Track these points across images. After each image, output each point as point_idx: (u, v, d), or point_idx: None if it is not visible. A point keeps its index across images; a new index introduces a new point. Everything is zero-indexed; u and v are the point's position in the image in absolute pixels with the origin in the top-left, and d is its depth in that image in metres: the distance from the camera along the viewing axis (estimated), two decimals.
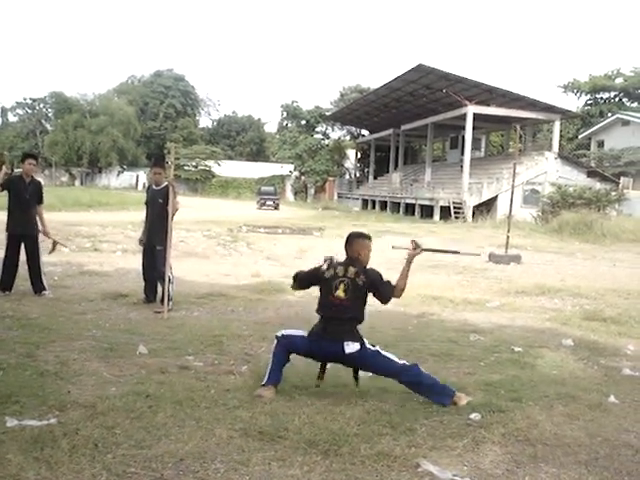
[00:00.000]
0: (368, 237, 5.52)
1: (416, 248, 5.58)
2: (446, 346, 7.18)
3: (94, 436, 4.03)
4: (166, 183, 8.88)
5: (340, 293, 5.15)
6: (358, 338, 5.12)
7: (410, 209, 41.62)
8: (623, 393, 5.62)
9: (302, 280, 5.52)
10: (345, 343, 5.05)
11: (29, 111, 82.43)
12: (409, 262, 5.42)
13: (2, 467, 3.51)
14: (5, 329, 6.94)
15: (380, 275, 5.30)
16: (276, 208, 45.97)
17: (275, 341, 5.27)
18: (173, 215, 8.63)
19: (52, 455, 3.70)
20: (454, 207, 36.14)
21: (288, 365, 5.27)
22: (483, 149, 51.15)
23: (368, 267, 5.35)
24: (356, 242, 5.40)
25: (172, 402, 4.75)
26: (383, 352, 5.20)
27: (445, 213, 36.37)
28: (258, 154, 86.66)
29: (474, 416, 4.73)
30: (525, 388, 5.54)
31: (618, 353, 7.26)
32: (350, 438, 4.16)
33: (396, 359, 5.17)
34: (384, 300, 5.37)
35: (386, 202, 46.64)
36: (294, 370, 5.48)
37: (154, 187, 9.05)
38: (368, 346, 5.14)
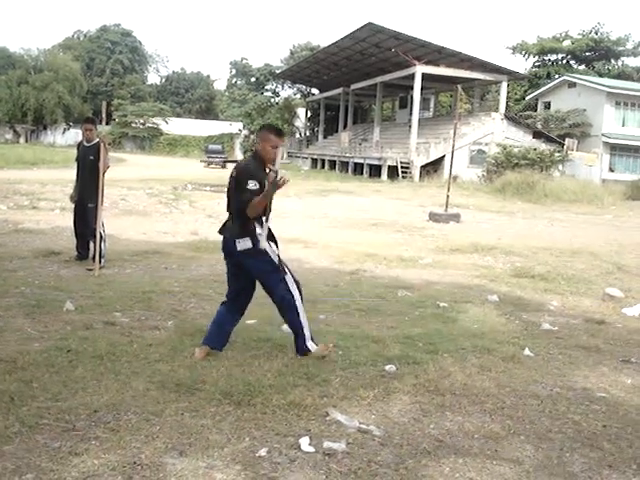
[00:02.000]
0: (273, 130, 5.03)
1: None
2: (374, 302, 7.34)
3: (10, 390, 4.07)
4: (97, 140, 8.77)
5: (228, 188, 5.04)
6: (249, 235, 4.86)
7: (359, 169, 41.71)
8: (539, 347, 5.84)
9: None
10: (237, 240, 4.90)
11: None
12: (270, 184, 4.69)
13: None
14: None
15: (248, 179, 4.78)
16: (223, 167, 45.63)
17: None
18: (104, 172, 8.55)
19: None
20: (402, 167, 36.32)
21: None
22: (432, 109, 51.40)
23: (251, 165, 4.96)
24: (258, 134, 5.12)
25: (93, 357, 4.81)
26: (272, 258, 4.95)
27: (393, 173, 36.56)
28: (207, 112, 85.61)
29: (389, 367, 4.89)
30: (443, 341, 5.73)
31: (541, 309, 7.50)
32: (264, 389, 4.28)
33: (286, 281, 5.01)
34: (235, 206, 4.96)
35: (335, 162, 46.65)
36: None
37: (85, 144, 8.92)
38: (261, 247, 4.84)
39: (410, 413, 4.15)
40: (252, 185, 4.74)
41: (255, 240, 4.83)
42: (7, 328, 5.57)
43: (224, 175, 30.20)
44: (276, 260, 4.98)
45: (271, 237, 5.00)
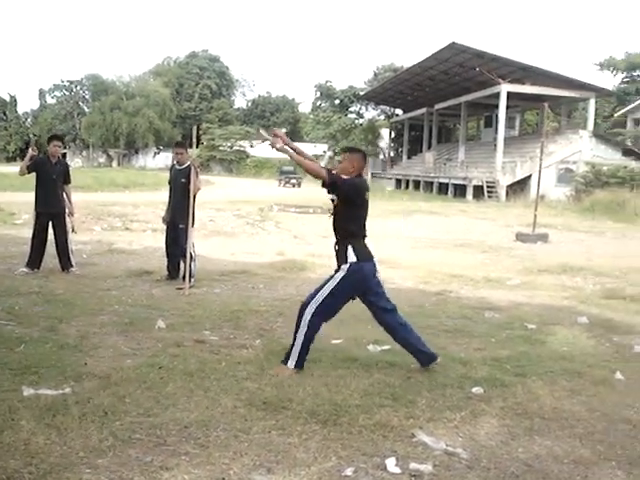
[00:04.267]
0: (354, 150, 5.43)
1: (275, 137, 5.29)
2: (460, 322, 7.27)
3: (104, 404, 4.22)
4: (189, 163, 9.05)
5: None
6: (344, 259, 5.17)
7: (443, 188, 41.39)
8: (630, 370, 5.65)
9: None
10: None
11: (67, 93, 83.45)
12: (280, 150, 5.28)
13: (14, 432, 3.71)
14: (31, 305, 7.20)
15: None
16: (297, 186, 46.97)
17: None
18: (195, 194, 8.81)
19: (63, 422, 3.89)
20: (487, 186, 35.88)
21: None
22: (517, 128, 50.54)
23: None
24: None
25: (183, 374, 4.93)
26: (330, 283, 5.18)
27: (478, 192, 36.13)
28: (292, 134, 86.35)
29: (476, 390, 4.83)
30: (531, 364, 5.62)
31: (632, 331, 7.25)
32: (351, 409, 4.30)
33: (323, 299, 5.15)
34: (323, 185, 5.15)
35: (420, 182, 46.43)
36: None
37: (177, 167, 9.22)
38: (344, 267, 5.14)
39: (498, 436, 4.09)
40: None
41: None
42: (102, 345, 5.78)
43: (307, 196, 30.43)
44: None
45: None
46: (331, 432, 3.98)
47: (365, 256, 5.19)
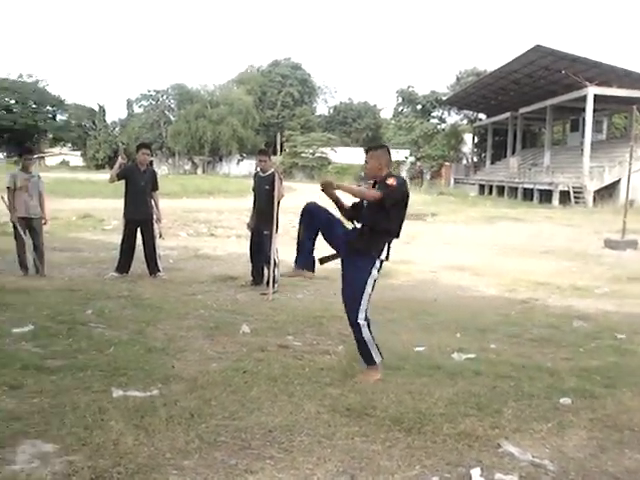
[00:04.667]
0: (376, 147, 5.35)
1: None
2: (547, 331, 7.11)
3: (191, 407, 4.31)
4: (272, 170, 9.17)
5: None
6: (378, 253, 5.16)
7: (528, 194, 40.53)
8: None
9: None
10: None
11: (153, 102, 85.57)
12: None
13: (104, 432, 3.83)
14: (120, 308, 7.43)
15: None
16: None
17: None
18: (279, 201, 8.92)
19: (151, 423, 3.99)
20: (574, 192, 34.96)
21: (381, 347, 5.34)
22: (605, 131, 49.02)
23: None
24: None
25: (267, 378, 4.99)
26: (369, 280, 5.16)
27: (564, 198, 35.23)
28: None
29: (564, 400, 4.71)
30: (622, 375, 5.44)
31: None
32: (435, 417, 4.25)
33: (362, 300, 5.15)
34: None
35: (504, 187, 45.60)
36: (387, 351, 5.60)
37: (260, 174, 9.37)
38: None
39: (586, 449, 3.97)
40: None
41: None
42: (188, 348, 5.92)
43: None
44: None
45: None
46: (415, 440, 3.95)
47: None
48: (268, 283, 8.70)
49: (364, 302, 5.15)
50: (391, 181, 5.00)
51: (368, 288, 5.14)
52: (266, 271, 9.02)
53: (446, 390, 4.86)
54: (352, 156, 72.82)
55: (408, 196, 5.18)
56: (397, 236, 5.21)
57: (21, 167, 9.74)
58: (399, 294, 9.03)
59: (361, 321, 5.13)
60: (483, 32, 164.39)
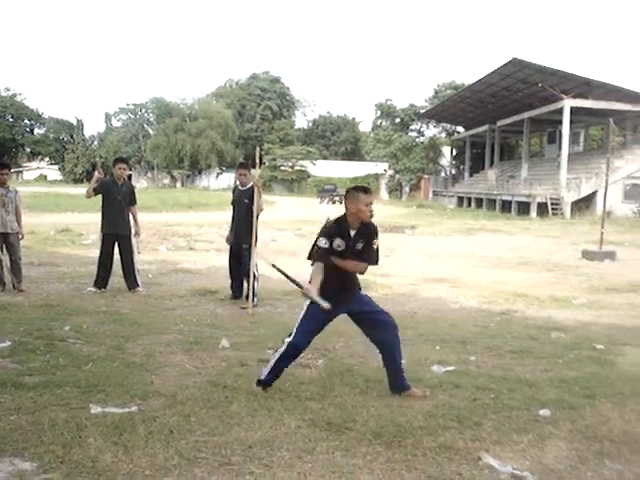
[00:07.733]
0: (347, 193, 5.16)
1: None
2: (526, 343, 7.12)
3: (170, 423, 4.29)
4: (251, 184, 9.16)
5: None
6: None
7: (507, 206, 40.82)
8: None
9: None
10: None
11: (132, 116, 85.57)
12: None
13: (82, 450, 3.79)
14: (98, 324, 7.37)
15: (319, 236, 5.23)
16: (340, 203, 48.04)
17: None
18: (258, 215, 8.90)
19: (129, 440, 3.97)
20: (551, 203, 35.28)
21: (361, 361, 5.36)
22: (582, 143, 49.61)
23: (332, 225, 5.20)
24: (347, 196, 5.11)
25: (247, 393, 4.98)
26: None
27: (542, 210, 35.52)
28: (353, 153, 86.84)
29: (543, 412, 4.73)
30: (601, 385, 5.47)
31: None
32: (415, 431, 4.25)
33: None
34: None
35: (482, 199, 45.91)
36: (367, 365, 5.61)
37: (240, 188, 9.36)
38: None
39: (566, 460, 3.98)
40: (322, 243, 5.15)
41: None
42: (168, 363, 5.88)
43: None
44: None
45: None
46: (395, 454, 3.94)
47: None
48: (248, 297, 8.67)
49: None
50: (377, 244, 5.20)
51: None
52: (245, 285, 8.99)
53: (426, 403, 4.87)
54: (331, 169, 73.07)
55: None
56: None
57: None
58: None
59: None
60: (461, 46, 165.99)
